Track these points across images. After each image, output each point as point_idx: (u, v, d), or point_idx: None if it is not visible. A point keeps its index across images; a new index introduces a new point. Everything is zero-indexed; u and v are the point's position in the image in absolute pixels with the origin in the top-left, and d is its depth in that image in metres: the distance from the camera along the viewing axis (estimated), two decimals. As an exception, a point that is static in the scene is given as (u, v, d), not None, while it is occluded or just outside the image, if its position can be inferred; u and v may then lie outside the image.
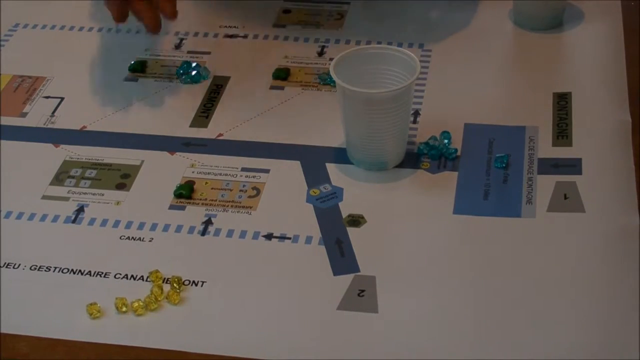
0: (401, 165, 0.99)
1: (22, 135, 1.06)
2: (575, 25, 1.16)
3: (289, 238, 0.92)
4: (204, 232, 0.93)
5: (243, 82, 1.12)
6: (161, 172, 1.00)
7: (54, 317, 0.86)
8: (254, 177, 0.99)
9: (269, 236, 0.92)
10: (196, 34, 1.19)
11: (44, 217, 0.96)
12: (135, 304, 0.86)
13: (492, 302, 0.85)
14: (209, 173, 0.99)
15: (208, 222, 0.94)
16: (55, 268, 0.90)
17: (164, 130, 1.05)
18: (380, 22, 1.19)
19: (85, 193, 0.98)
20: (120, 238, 0.93)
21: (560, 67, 1.11)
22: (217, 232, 0.93)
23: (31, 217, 0.96)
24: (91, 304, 0.86)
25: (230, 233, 0.93)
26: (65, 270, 0.90)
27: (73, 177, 1.00)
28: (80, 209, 0.96)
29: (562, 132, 1.02)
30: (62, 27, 1.22)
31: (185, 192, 0.97)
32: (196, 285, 0.88)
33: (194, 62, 1.13)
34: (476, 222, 0.93)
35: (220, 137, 1.04)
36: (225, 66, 1.14)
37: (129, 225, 0.94)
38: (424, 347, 0.82)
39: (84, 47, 1.19)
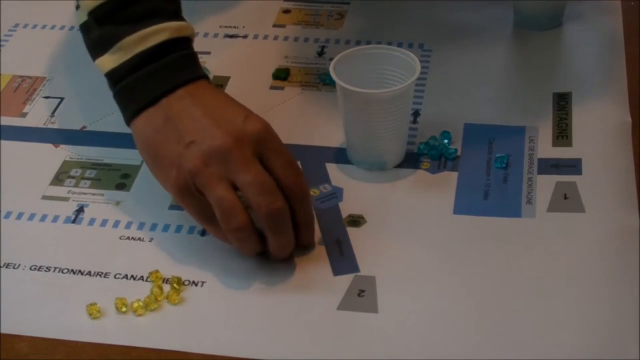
0: (401, 165, 0.99)
1: (22, 135, 1.06)
2: (575, 25, 1.16)
3: (289, 238, 0.92)
4: (203, 232, 0.93)
5: (243, 82, 1.12)
6: (161, 172, 1.00)
7: (54, 317, 0.86)
8: (254, 177, 0.99)
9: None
10: (196, 34, 1.19)
11: (44, 217, 0.96)
12: (135, 304, 0.86)
13: (492, 302, 0.85)
14: (209, 173, 0.99)
15: (208, 222, 0.94)
16: (55, 268, 0.90)
17: (164, 130, 1.05)
18: (380, 22, 1.19)
19: (85, 193, 0.98)
20: (120, 238, 0.93)
21: (560, 67, 1.11)
22: (217, 232, 0.93)
23: (31, 217, 0.96)
24: (91, 304, 0.86)
25: (230, 233, 0.93)
26: (65, 270, 0.90)
27: (73, 177, 1.00)
28: (80, 209, 0.96)
29: (562, 132, 1.02)
30: (62, 27, 1.22)
31: (185, 192, 0.97)
32: (196, 285, 0.88)
33: (194, 62, 1.13)
34: (476, 222, 0.93)
35: (220, 137, 1.04)
36: (225, 66, 1.14)
37: (129, 225, 0.94)
38: (424, 347, 0.82)
39: (84, 47, 1.18)
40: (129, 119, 0.92)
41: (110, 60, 0.92)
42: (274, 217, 0.85)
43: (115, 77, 0.92)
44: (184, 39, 0.93)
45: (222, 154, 0.85)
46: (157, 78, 0.90)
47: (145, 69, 0.91)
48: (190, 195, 0.87)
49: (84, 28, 0.95)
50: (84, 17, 0.95)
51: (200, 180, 0.85)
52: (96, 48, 0.94)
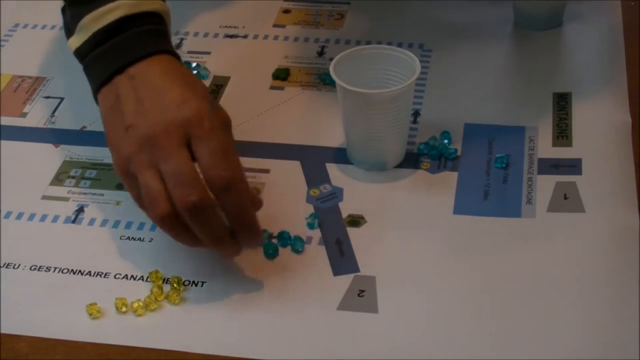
0: (401, 165, 0.99)
1: (22, 135, 1.06)
2: (575, 25, 1.16)
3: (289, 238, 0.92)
4: (204, 232, 0.93)
5: (243, 82, 1.12)
6: (161, 172, 1.00)
7: (54, 317, 0.86)
8: (254, 177, 0.99)
9: (269, 236, 0.92)
10: (196, 34, 1.19)
11: (44, 217, 0.96)
12: (135, 304, 0.86)
13: (492, 302, 0.85)
14: (209, 173, 0.99)
15: (208, 222, 0.94)
16: (55, 268, 0.90)
17: (164, 130, 1.05)
18: (380, 22, 1.19)
19: (85, 193, 0.98)
20: (120, 238, 0.93)
21: (560, 67, 1.11)
22: (217, 232, 0.93)
23: (31, 217, 0.96)
24: (91, 304, 0.86)
25: (230, 233, 0.93)
26: (65, 270, 0.90)
27: (73, 177, 1.00)
28: (80, 209, 0.96)
29: (562, 132, 1.02)
30: (62, 27, 1.22)
31: (185, 192, 0.97)
32: (196, 285, 0.88)
33: (194, 62, 1.13)
34: (476, 222, 0.93)
35: (220, 137, 1.03)
36: (225, 66, 1.14)
37: (129, 225, 0.94)
38: (424, 347, 0.82)
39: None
40: (94, 96, 0.93)
41: (75, 40, 0.93)
42: (189, 210, 0.82)
43: (80, 56, 0.94)
44: (146, 14, 0.92)
45: (150, 142, 0.84)
46: (108, 57, 0.91)
47: (100, 48, 0.91)
48: (128, 177, 0.87)
49: (62, 11, 0.97)
50: (62, 2, 0.96)
51: (132, 166, 0.85)
52: (68, 30, 0.95)
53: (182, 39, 1.18)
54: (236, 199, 0.83)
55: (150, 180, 0.83)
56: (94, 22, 0.91)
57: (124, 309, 0.86)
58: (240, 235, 0.85)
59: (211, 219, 0.83)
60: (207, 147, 0.83)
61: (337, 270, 0.89)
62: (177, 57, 0.93)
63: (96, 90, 0.92)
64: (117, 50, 0.91)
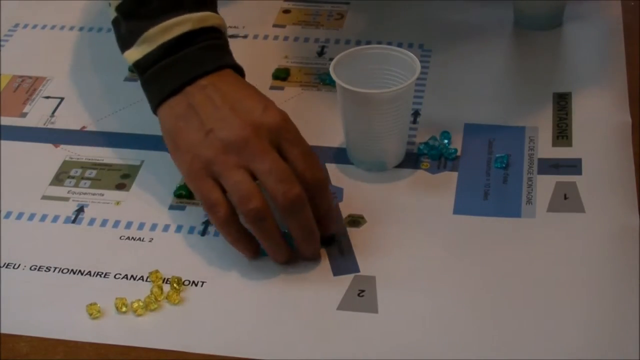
0: (401, 165, 0.99)
1: (22, 135, 1.06)
2: (575, 25, 1.16)
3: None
4: (203, 232, 0.93)
5: (243, 82, 1.11)
6: (161, 172, 1.00)
7: (54, 317, 0.86)
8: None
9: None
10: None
11: (44, 217, 0.96)
12: (135, 304, 0.86)
13: (492, 302, 0.85)
14: (209, 173, 0.99)
15: (208, 222, 0.94)
16: (55, 268, 0.90)
17: (164, 130, 1.05)
18: (380, 22, 1.19)
19: (85, 193, 0.98)
20: (120, 238, 0.93)
21: (560, 67, 1.11)
22: (217, 232, 0.93)
23: (31, 217, 0.96)
24: (91, 304, 0.86)
25: (230, 233, 0.93)
26: (65, 270, 0.90)
27: (73, 177, 1.00)
28: (80, 209, 0.96)
29: (562, 132, 1.02)
30: (62, 27, 1.22)
31: (185, 192, 0.97)
32: (196, 285, 0.88)
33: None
34: (476, 222, 0.93)
35: (221, 137, 1.04)
36: (225, 66, 1.14)
37: (129, 225, 0.94)
38: (424, 347, 0.82)
39: (84, 47, 1.19)
40: (155, 107, 0.93)
41: (135, 53, 0.94)
42: (291, 203, 0.85)
43: (141, 68, 0.94)
44: (209, 29, 0.94)
45: (239, 144, 0.86)
46: (178, 69, 0.92)
47: (167, 60, 0.92)
48: (204, 181, 0.87)
49: (115, 24, 0.97)
50: (114, 14, 0.96)
51: (217, 168, 0.87)
52: (124, 42, 0.95)
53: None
54: (328, 197, 0.89)
55: (242, 177, 0.86)
56: (159, 35, 0.92)
57: (124, 309, 0.86)
58: (325, 228, 0.89)
59: (307, 214, 0.87)
60: (299, 150, 0.88)
61: (337, 270, 0.89)
62: (240, 71, 0.95)
63: (162, 101, 0.92)
64: (186, 63, 0.92)
